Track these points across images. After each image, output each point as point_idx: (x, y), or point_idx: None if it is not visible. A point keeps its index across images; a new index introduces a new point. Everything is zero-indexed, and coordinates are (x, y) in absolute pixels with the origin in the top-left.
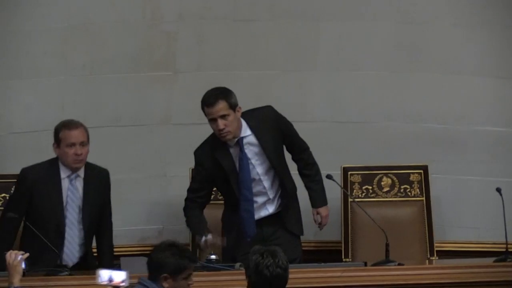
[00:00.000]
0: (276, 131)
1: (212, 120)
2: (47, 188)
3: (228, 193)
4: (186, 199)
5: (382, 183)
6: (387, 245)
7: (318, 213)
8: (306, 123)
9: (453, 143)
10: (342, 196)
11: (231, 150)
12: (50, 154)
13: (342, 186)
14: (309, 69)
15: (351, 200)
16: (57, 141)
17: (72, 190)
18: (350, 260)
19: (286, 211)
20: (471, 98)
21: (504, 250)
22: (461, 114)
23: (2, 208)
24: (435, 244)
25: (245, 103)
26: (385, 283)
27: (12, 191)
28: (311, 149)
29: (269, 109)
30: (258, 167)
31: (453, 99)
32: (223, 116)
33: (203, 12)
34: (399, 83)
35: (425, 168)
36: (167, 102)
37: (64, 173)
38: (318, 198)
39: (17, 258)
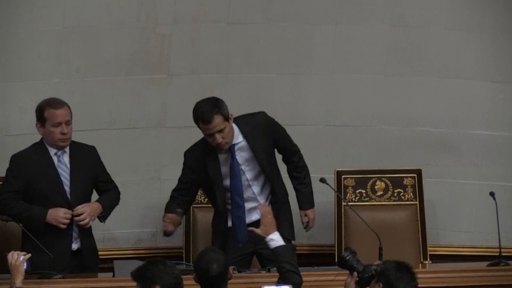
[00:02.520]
0: (268, 137)
1: (209, 135)
2: (41, 168)
3: (213, 199)
4: (170, 197)
5: (376, 187)
6: (380, 249)
7: (306, 215)
8: (300, 126)
9: (448, 147)
10: (336, 199)
11: (220, 156)
12: None
13: (336, 189)
14: (303, 72)
15: (345, 204)
16: (41, 120)
17: (61, 166)
18: None
19: (278, 216)
20: (466, 102)
21: (497, 254)
22: (455, 118)
23: None
24: (429, 248)
25: (239, 106)
26: None
27: (4, 179)
28: (305, 152)
29: (262, 115)
30: (248, 173)
31: (448, 103)
32: (220, 130)
33: (197, 15)
34: (393, 87)
35: (418, 172)
36: (161, 105)
37: (51, 151)
38: (306, 200)
39: (19, 259)
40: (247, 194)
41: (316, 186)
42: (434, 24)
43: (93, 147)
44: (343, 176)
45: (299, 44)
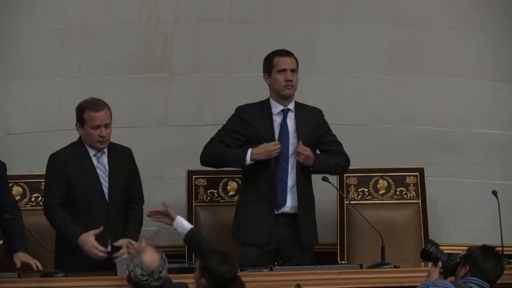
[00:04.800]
0: (316, 130)
1: (282, 71)
2: (81, 167)
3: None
4: (213, 143)
5: (378, 185)
6: (382, 247)
7: (305, 149)
8: None
9: (450, 145)
10: (338, 198)
11: (274, 118)
12: (48, 155)
13: (338, 188)
14: (305, 71)
15: (347, 202)
16: (81, 121)
17: (100, 167)
18: (346, 262)
19: (304, 219)
20: (468, 100)
21: (500, 253)
22: (457, 117)
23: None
24: None
25: (241, 104)
26: (380, 285)
27: (45, 179)
28: None
29: (319, 110)
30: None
31: (449, 101)
32: (293, 70)
33: (199, 14)
34: (395, 86)
35: (421, 171)
36: (163, 103)
37: (91, 151)
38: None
39: None
40: None
41: (319, 184)
42: (436, 23)
43: (129, 149)
44: (345, 175)
45: (301, 43)
